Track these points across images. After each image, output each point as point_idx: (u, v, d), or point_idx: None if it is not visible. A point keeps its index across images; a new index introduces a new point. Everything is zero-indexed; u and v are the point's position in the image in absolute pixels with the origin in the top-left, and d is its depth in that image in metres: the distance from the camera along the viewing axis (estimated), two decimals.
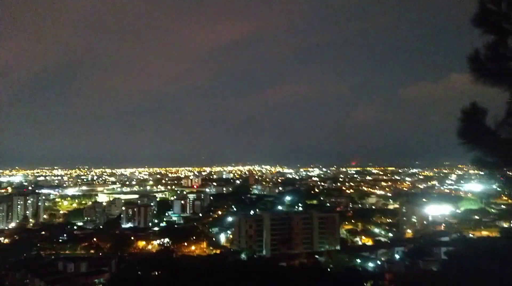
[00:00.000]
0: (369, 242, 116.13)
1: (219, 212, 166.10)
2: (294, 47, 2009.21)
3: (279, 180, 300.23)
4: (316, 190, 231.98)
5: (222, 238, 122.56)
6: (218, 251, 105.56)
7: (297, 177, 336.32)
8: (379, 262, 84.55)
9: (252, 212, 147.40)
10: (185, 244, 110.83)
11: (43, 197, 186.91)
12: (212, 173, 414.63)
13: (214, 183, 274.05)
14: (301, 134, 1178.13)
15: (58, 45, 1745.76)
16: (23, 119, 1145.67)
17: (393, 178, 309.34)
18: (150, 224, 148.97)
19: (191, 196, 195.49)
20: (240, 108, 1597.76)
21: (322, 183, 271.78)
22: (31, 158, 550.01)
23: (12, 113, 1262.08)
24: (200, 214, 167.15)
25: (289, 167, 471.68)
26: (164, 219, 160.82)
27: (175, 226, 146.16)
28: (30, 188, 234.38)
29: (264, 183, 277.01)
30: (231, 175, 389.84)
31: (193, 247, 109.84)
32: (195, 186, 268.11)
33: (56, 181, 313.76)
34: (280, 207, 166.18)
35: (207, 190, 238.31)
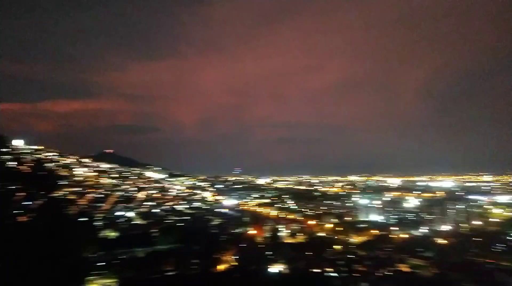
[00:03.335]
0: None
1: None
2: None
3: None
4: None
5: None
6: None
7: None
8: None
9: None
10: None
11: (472, 203, 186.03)
12: None
13: None
14: None
15: None
16: (448, 128, 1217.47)
17: None
18: None
19: None
20: None
21: None
22: (459, 164, 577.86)
23: (436, 123, 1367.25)
24: None
25: None
26: None
27: None
28: (459, 193, 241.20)
29: None
30: None
31: None
32: None
33: (484, 188, 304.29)
34: None
35: None
